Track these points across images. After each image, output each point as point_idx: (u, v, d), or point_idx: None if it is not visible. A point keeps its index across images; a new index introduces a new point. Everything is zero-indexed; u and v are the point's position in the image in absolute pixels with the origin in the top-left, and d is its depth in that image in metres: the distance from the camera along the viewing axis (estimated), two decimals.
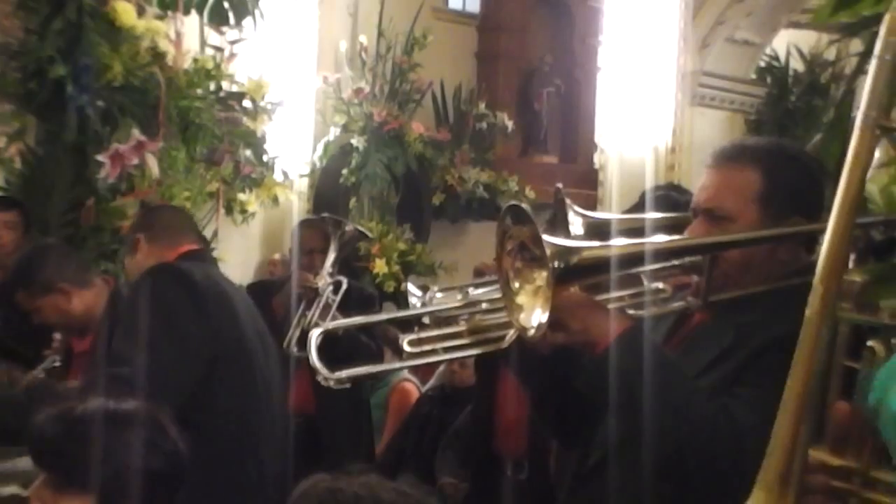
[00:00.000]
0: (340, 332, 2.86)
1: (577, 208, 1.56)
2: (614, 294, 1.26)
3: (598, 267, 1.18)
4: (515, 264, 1.16)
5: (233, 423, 1.97)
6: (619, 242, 1.20)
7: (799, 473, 0.79)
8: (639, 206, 2.01)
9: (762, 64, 6.67)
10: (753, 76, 6.70)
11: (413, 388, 3.72)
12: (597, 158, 6.49)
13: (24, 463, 1.67)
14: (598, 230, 1.56)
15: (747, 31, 6.40)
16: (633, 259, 1.21)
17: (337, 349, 3.13)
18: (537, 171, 6.37)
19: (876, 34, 0.93)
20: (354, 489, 0.96)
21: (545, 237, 1.12)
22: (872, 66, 0.83)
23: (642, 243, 1.19)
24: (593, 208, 6.26)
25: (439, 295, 2.21)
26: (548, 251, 1.10)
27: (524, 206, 1.17)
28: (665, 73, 6.22)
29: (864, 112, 0.83)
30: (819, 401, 0.84)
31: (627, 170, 6.12)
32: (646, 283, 1.30)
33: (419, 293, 2.27)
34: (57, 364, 2.37)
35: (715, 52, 6.46)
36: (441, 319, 1.35)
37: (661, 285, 1.31)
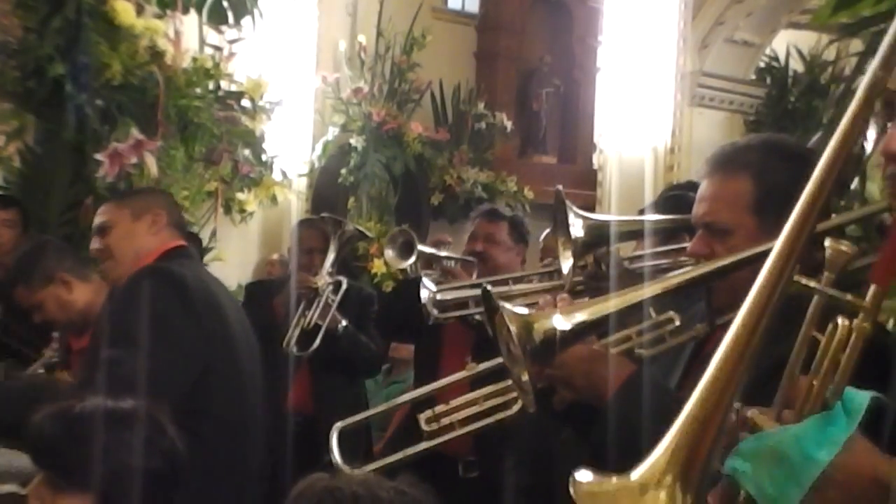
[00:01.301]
0: (340, 331, 2.88)
1: (577, 210, 1.55)
2: (623, 333, 1.24)
3: (571, 338, 1.11)
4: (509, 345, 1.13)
5: (224, 423, 1.97)
6: (596, 306, 1.12)
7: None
8: (654, 207, 2.00)
9: (762, 64, 6.67)
10: (753, 77, 6.70)
11: None
12: (596, 159, 6.50)
13: (23, 461, 1.67)
14: (598, 232, 1.55)
15: (747, 32, 6.40)
16: (614, 317, 1.16)
17: (336, 349, 3.14)
18: (536, 172, 6.37)
19: (876, 34, 0.93)
20: (353, 488, 0.96)
21: (507, 311, 1.06)
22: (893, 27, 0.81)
23: (621, 297, 1.13)
24: (592, 209, 6.27)
25: (439, 297, 2.21)
26: (514, 334, 1.04)
27: (489, 289, 1.13)
28: (664, 73, 6.22)
29: (873, 71, 0.81)
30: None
31: (626, 170, 6.11)
32: (654, 315, 1.26)
33: (433, 287, 2.28)
34: (55, 360, 2.36)
35: (714, 53, 6.46)
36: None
37: (669, 314, 1.26)
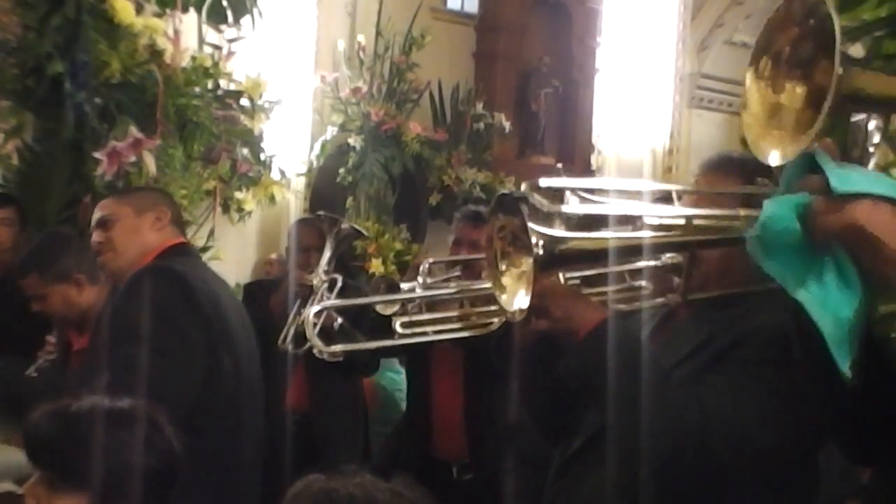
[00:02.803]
0: (336, 327, 2.87)
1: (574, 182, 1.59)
2: (600, 289, 1.32)
3: (581, 257, 1.21)
4: (505, 248, 1.21)
5: (222, 422, 1.97)
6: (604, 234, 1.21)
7: None
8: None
9: None
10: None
11: None
12: (594, 160, 6.50)
13: (20, 460, 1.67)
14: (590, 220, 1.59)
15: (746, 34, 6.41)
16: (616, 251, 1.23)
17: (332, 344, 3.12)
18: (534, 172, 6.33)
19: (877, 39, 0.95)
20: (349, 490, 0.96)
21: (531, 225, 1.15)
22: None
23: (627, 238, 1.21)
24: None
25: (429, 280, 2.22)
26: (533, 239, 1.13)
27: (515, 194, 1.21)
28: (663, 75, 6.23)
29: None
30: None
31: (625, 172, 6.13)
32: (629, 280, 1.35)
33: (417, 289, 2.28)
34: (51, 359, 2.36)
35: (713, 55, 6.47)
36: (433, 304, 1.41)
37: (643, 283, 1.35)
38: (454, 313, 1.37)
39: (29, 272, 2.26)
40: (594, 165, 6.52)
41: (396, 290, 2.34)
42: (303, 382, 2.99)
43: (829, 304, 0.90)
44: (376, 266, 5.06)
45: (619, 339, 1.20)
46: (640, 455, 1.20)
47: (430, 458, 2.70)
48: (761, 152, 1.00)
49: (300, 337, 2.82)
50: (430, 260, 2.15)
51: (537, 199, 1.18)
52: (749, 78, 1.00)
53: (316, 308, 1.44)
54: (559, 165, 1.81)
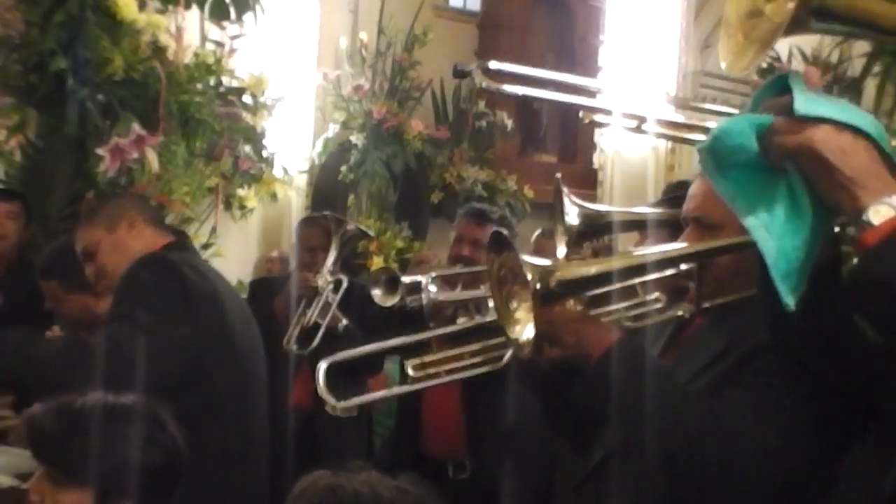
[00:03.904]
0: (340, 330, 2.87)
1: (574, 199, 1.57)
2: (611, 307, 1.29)
3: (580, 285, 1.19)
4: (507, 285, 1.19)
5: (225, 417, 1.97)
6: (601, 260, 1.20)
7: None
8: (660, 204, 2.02)
9: (764, 65, 6.66)
10: (755, 77, 6.70)
11: None
12: (596, 158, 6.49)
13: (24, 456, 1.67)
14: (593, 221, 1.57)
15: None
16: (616, 274, 1.22)
17: (337, 347, 3.13)
18: (536, 171, 6.37)
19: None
20: (355, 486, 0.96)
21: (525, 259, 1.13)
22: None
23: (624, 258, 1.20)
24: None
25: (433, 288, 2.22)
26: (528, 274, 1.12)
27: (504, 232, 1.20)
28: (666, 72, 6.21)
29: None
30: None
31: (627, 170, 6.11)
32: (641, 294, 1.32)
33: (433, 287, 2.29)
34: None
35: (717, 53, 6.45)
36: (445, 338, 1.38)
37: (656, 295, 1.32)
38: (466, 349, 1.34)
39: (51, 278, 2.26)
40: (596, 164, 6.50)
41: (396, 281, 2.34)
42: (307, 381, 2.99)
43: (775, 231, 0.88)
44: (378, 264, 5.06)
45: (631, 359, 1.19)
46: (658, 474, 1.19)
47: (424, 458, 2.70)
48: (722, 58, 0.98)
49: (305, 337, 2.82)
50: (433, 274, 2.14)
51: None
52: None
53: (324, 365, 1.41)
54: (558, 175, 1.80)
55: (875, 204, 0.84)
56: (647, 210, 1.65)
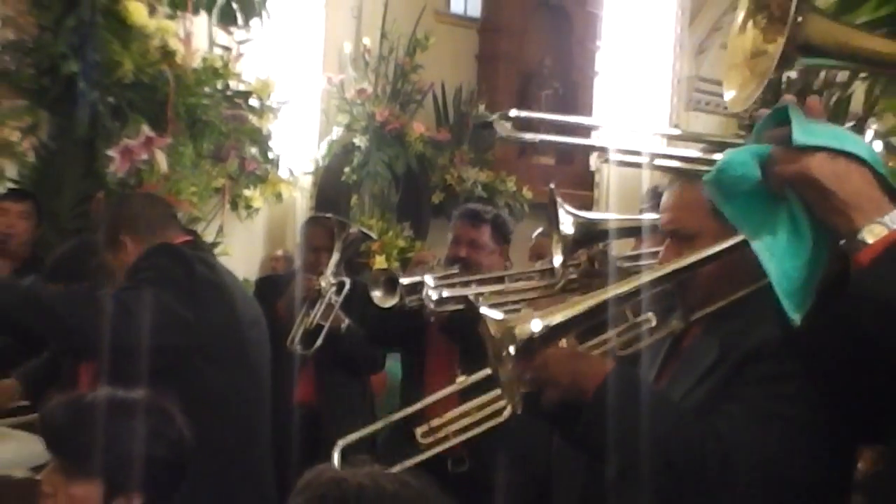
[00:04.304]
0: (343, 330, 2.87)
1: (567, 207, 1.56)
2: (604, 337, 1.26)
3: (552, 336, 1.14)
4: (494, 349, 1.15)
5: (231, 410, 1.97)
6: (574, 305, 1.14)
7: None
8: (648, 209, 2.01)
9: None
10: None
11: None
12: (593, 161, 6.50)
13: (38, 448, 1.68)
14: (588, 229, 1.56)
15: None
16: (591, 314, 1.17)
17: (339, 347, 3.13)
18: (535, 172, 6.37)
19: None
20: (359, 479, 0.96)
21: (489, 317, 1.10)
22: None
23: (596, 297, 1.15)
24: (589, 209, 6.26)
25: (433, 295, 2.22)
26: (493, 334, 1.08)
27: (470, 300, 1.16)
28: (661, 77, 6.22)
29: None
30: None
31: (623, 172, 6.11)
32: (631, 317, 1.28)
33: (433, 283, 2.30)
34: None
35: (710, 58, 6.46)
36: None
37: (647, 316, 1.29)
38: (465, 408, 1.30)
39: (58, 281, 2.26)
40: (593, 166, 6.51)
41: (395, 282, 2.34)
42: (311, 378, 2.99)
43: (777, 254, 0.91)
44: (380, 263, 5.06)
45: (625, 389, 1.17)
46: (664, 495, 1.18)
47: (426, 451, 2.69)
48: (728, 94, 1.01)
49: (308, 338, 2.82)
50: (432, 276, 2.12)
51: None
52: (748, 20, 0.99)
53: (339, 448, 1.40)
54: (552, 185, 1.79)
55: (868, 224, 0.86)
56: (640, 217, 1.64)
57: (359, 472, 0.98)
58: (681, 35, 6.24)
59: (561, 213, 1.51)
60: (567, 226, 1.49)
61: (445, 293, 2.06)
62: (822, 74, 3.84)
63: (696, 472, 1.15)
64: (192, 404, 1.63)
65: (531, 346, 1.09)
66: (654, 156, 1.16)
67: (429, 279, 2.17)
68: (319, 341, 2.82)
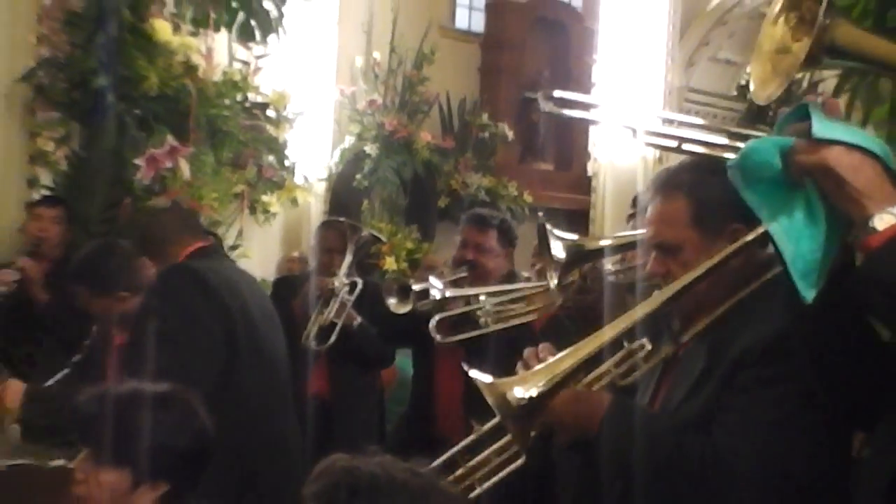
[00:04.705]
0: (355, 328, 2.87)
1: (557, 233, 1.53)
2: (601, 370, 1.24)
3: (547, 398, 1.11)
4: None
5: (249, 404, 1.97)
6: (567, 360, 1.10)
7: None
8: (634, 217, 2.00)
9: (743, 81, 6.64)
10: (735, 92, 6.68)
11: None
12: (590, 166, 6.48)
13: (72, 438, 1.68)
14: (577, 252, 1.53)
15: (729, 52, 6.38)
16: (584, 367, 1.15)
17: (351, 343, 3.14)
18: (535, 177, 6.38)
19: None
20: (370, 468, 0.96)
21: (480, 383, 1.06)
22: None
23: (586, 347, 1.13)
24: (587, 213, 6.27)
25: (448, 294, 2.21)
26: (498, 413, 1.06)
27: (470, 373, 1.11)
28: (654, 88, 6.20)
29: None
30: None
31: (619, 177, 6.10)
32: (626, 344, 1.25)
33: (440, 284, 2.30)
34: (76, 361, 2.35)
35: (700, 70, 6.45)
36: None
37: (642, 341, 1.26)
38: (488, 452, 1.26)
39: (79, 283, 2.26)
40: (590, 171, 6.50)
41: (407, 291, 2.33)
42: (324, 372, 2.99)
43: (793, 236, 0.93)
44: (390, 263, 5.07)
45: (624, 423, 1.18)
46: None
47: (434, 441, 2.69)
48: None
49: (322, 334, 2.83)
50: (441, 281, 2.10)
51: None
52: (781, 14, 0.99)
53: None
54: (541, 214, 1.77)
55: (880, 212, 0.88)
56: (624, 234, 1.61)
57: (370, 462, 0.98)
58: (672, 49, 6.23)
59: (551, 239, 1.49)
60: (558, 251, 1.47)
61: (448, 293, 2.06)
62: (805, 86, 3.82)
63: (698, 485, 1.15)
64: (213, 397, 1.63)
65: (533, 410, 1.08)
66: (683, 140, 1.14)
67: (435, 281, 2.18)
68: (333, 338, 2.82)
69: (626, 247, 1.60)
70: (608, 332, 1.14)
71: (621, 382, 1.26)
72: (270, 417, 2.05)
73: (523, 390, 1.06)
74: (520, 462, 1.23)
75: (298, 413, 2.47)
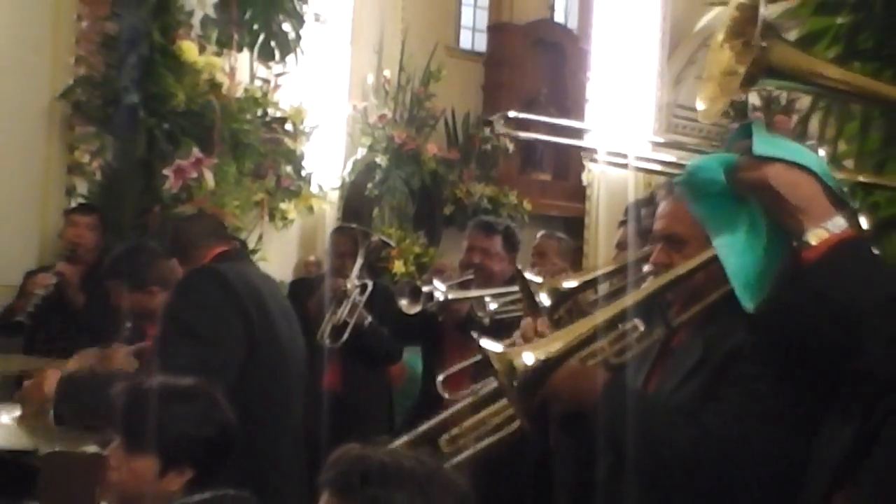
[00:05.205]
0: (365, 326, 2.88)
1: (536, 280, 1.49)
2: (595, 346, 1.24)
3: (551, 368, 1.09)
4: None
5: (268, 396, 1.98)
6: (571, 334, 1.09)
7: None
8: (625, 223, 2.00)
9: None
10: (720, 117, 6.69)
11: None
12: (585, 176, 6.49)
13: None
14: (561, 294, 1.48)
15: None
16: (582, 343, 1.14)
17: (362, 341, 3.14)
18: (534, 187, 6.39)
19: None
20: (381, 457, 0.97)
21: (488, 351, 1.05)
22: None
23: (589, 323, 1.12)
24: (582, 220, 6.27)
25: (450, 296, 2.21)
26: (501, 378, 1.04)
27: (482, 345, 1.08)
28: (644, 104, 6.21)
29: None
30: None
31: (611, 186, 6.11)
32: (620, 326, 1.25)
33: (443, 287, 2.30)
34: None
35: (687, 88, 6.45)
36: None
37: (635, 323, 1.26)
38: (485, 414, 1.27)
39: (115, 278, 2.29)
40: (585, 181, 6.50)
41: (418, 293, 2.33)
42: (338, 368, 3.00)
43: (737, 250, 0.91)
44: (399, 267, 5.08)
45: (620, 399, 1.18)
46: (658, 484, 1.18)
47: (442, 433, 2.69)
48: (700, 102, 1.01)
49: (335, 333, 2.84)
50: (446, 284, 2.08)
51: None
52: (726, 41, 0.98)
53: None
54: (519, 267, 1.74)
55: (814, 228, 0.87)
56: (601, 271, 1.55)
57: (380, 451, 0.99)
58: (661, 67, 6.24)
59: (534, 290, 1.41)
60: (543, 298, 1.41)
61: (451, 296, 2.07)
62: (782, 104, 3.83)
63: (688, 464, 1.15)
64: (235, 390, 1.64)
65: (535, 380, 1.06)
66: (638, 158, 1.14)
67: (438, 284, 2.18)
68: (345, 336, 2.83)
69: (595, 281, 1.55)
70: (609, 311, 1.15)
71: (615, 361, 1.25)
72: (287, 409, 2.06)
73: (531, 357, 1.04)
74: (512, 429, 1.23)
75: (315, 406, 2.48)
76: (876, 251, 0.92)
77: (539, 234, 3.56)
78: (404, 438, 1.39)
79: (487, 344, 1.07)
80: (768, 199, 0.89)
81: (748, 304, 0.90)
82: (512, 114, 1.16)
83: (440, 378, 1.58)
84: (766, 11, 0.90)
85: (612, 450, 1.20)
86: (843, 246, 0.86)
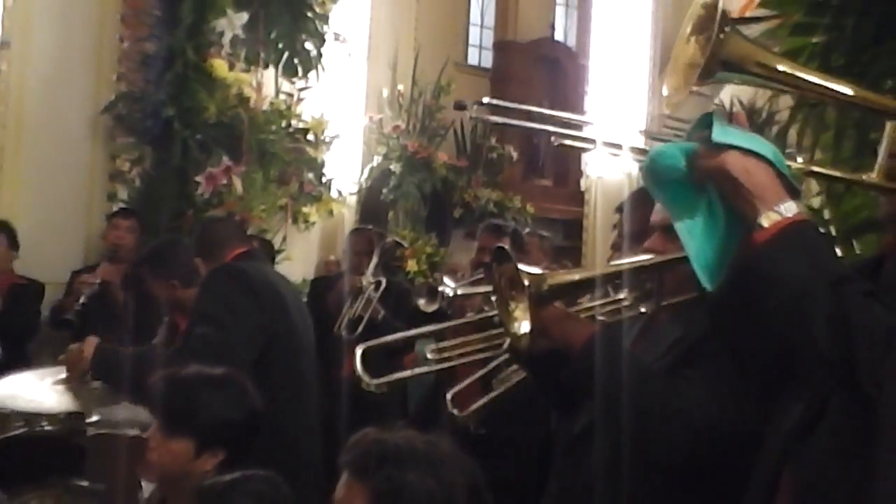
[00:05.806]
0: (379, 320, 2.89)
1: (524, 268, 1.50)
2: (588, 304, 1.26)
3: (566, 290, 1.16)
4: (507, 290, 1.15)
5: (288, 382, 1.99)
6: (583, 270, 1.17)
7: None
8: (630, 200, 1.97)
9: (712, 108, 6.61)
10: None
11: None
12: (583, 182, 6.48)
13: (146, 413, 1.72)
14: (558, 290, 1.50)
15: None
16: (595, 281, 1.19)
17: (376, 334, 3.14)
18: (536, 192, 6.39)
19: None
20: (396, 440, 0.98)
21: (521, 268, 1.10)
22: None
23: (602, 269, 1.17)
24: (581, 222, 6.26)
25: (460, 291, 2.23)
26: (525, 281, 1.09)
27: (506, 248, 1.16)
28: (636, 116, 6.20)
29: None
30: None
31: (607, 191, 6.10)
32: (612, 294, 1.27)
33: (452, 284, 2.31)
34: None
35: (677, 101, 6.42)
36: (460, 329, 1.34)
37: (624, 294, 1.27)
38: (473, 338, 1.30)
39: (142, 265, 2.33)
40: (583, 187, 6.49)
41: (435, 293, 2.34)
42: (355, 358, 3.01)
43: (696, 234, 0.89)
44: (412, 265, 5.09)
45: (608, 347, 1.17)
46: (631, 438, 1.17)
47: (452, 416, 2.69)
48: (665, 90, 0.98)
49: (352, 325, 2.85)
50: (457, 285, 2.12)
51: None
52: (692, 35, 0.94)
53: (360, 350, 1.36)
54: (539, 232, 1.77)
55: (767, 211, 0.85)
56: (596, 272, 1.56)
57: (396, 434, 1.00)
58: (652, 82, 6.22)
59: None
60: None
61: (460, 291, 2.07)
62: (764, 116, 3.79)
63: (661, 420, 1.14)
64: (261, 379, 1.66)
65: (547, 294, 1.11)
66: (605, 143, 1.11)
67: (448, 281, 2.19)
68: (360, 328, 2.84)
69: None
70: (608, 268, 1.18)
71: (603, 319, 1.26)
72: (305, 394, 2.07)
73: (569, 277, 1.11)
74: (496, 351, 1.26)
75: (334, 392, 2.50)
76: (823, 232, 0.91)
77: (524, 232, 3.58)
78: (416, 331, 1.43)
79: (522, 267, 1.10)
80: (725, 185, 0.88)
81: (707, 284, 0.88)
82: (486, 100, 1.13)
83: (449, 396, 1.59)
84: (723, 5, 0.87)
85: (591, 392, 1.17)
86: (791, 228, 0.84)
